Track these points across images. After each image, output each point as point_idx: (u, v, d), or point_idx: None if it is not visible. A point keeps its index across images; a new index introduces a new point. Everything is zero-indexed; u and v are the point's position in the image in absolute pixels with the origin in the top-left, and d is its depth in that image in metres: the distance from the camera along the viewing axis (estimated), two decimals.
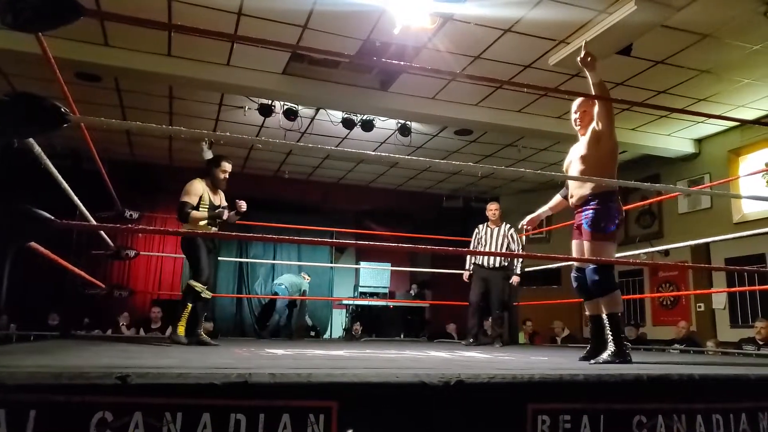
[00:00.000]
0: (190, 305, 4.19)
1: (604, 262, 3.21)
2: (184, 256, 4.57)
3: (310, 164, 10.03)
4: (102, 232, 5.28)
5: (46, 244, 3.10)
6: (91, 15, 4.58)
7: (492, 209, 6.15)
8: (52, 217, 1.89)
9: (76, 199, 3.89)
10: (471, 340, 5.87)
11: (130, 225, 5.56)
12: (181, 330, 4.11)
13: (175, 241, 10.08)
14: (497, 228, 6.06)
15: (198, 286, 4.24)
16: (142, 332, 7.85)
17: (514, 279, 6.06)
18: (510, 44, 5.82)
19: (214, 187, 4.48)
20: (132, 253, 5.95)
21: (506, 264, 5.99)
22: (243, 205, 4.45)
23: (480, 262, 5.97)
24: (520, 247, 5.98)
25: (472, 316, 5.98)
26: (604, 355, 3.05)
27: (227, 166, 4.49)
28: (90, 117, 2.67)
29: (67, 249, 5.07)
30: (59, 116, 1.91)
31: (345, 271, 11.19)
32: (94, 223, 4.32)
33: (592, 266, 3.22)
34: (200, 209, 4.35)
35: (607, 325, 3.12)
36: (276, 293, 8.73)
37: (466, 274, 6.15)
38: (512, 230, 5.95)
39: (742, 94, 6.84)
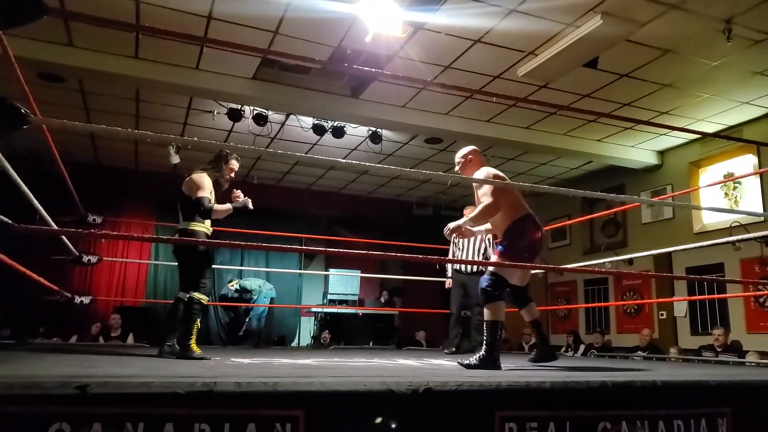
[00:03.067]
0: (197, 320, 3.74)
1: (574, 270, 3.38)
2: (177, 262, 4.07)
3: (280, 170, 9.96)
4: (63, 237, 5.13)
5: (3, 248, 3.00)
6: (55, 14, 4.49)
7: (468, 214, 6.10)
8: (10, 221, 1.83)
9: (36, 202, 3.78)
10: (453, 349, 5.68)
11: (93, 230, 5.42)
12: (195, 347, 3.63)
13: (140, 247, 9.90)
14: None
15: (204, 298, 3.83)
16: (101, 340, 7.65)
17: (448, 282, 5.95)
18: (480, 55, 5.89)
19: (216, 183, 4.15)
20: (94, 259, 5.79)
21: (485, 269, 5.91)
22: (240, 195, 4.23)
23: (459, 269, 5.87)
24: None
25: (454, 324, 5.84)
26: (473, 359, 3.25)
27: (236, 164, 4.21)
28: (52, 119, 2.60)
29: (25, 254, 4.93)
30: (19, 117, 1.86)
31: (314, 278, 11.12)
32: (55, 227, 4.19)
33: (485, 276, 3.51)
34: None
35: (485, 330, 3.37)
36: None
37: (448, 282, 6.04)
38: (489, 235, 5.92)
39: (703, 108, 7.05)
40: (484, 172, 3.66)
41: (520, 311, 3.78)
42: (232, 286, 9.38)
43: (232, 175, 4.20)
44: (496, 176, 3.58)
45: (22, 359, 2.94)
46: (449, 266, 6.05)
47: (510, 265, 3.36)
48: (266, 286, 9.64)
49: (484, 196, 3.51)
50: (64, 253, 5.61)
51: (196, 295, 3.78)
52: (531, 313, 3.70)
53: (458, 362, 3.33)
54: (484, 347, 3.28)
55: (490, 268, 3.48)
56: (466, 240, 5.79)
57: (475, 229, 3.85)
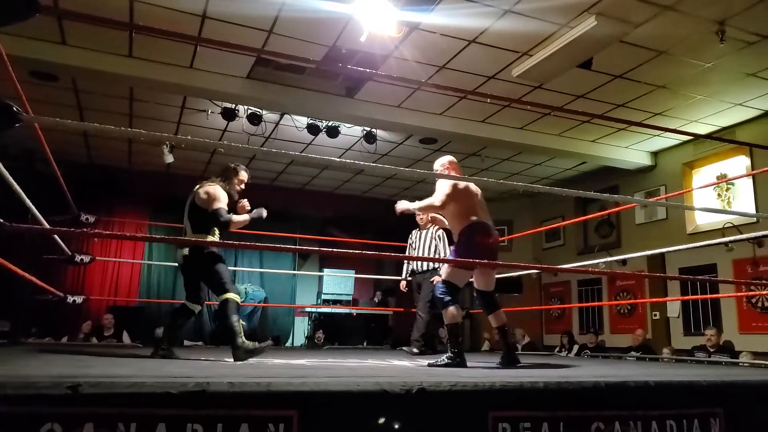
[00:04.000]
0: (237, 318, 3.63)
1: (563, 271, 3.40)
2: (190, 274, 3.97)
3: (274, 170, 9.94)
4: (56, 237, 5.10)
5: None
6: (48, 12, 4.47)
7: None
8: (2, 221, 1.82)
9: (28, 201, 3.75)
10: (416, 351, 5.44)
11: (85, 229, 5.39)
12: (246, 343, 3.50)
13: (133, 246, 9.86)
14: (426, 231, 5.75)
15: (236, 297, 3.72)
16: (94, 340, 7.62)
17: (435, 279, 5.79)
18: (474, 55, 5.89)
19: (228, 196, 4.10)
20: (87, 258, 5.76)
21: (435, 267, 5.62)
22: (247, 205, 4.20)
23: (415, 269, 5.79)
24: (447, 248, 5.60)
25: (424, 325, 5.66)
26: (440, 359, 3.48)
27: (245, 176, 4.21)
28: (45, 117, 2.59)
29: (18, 254, 4.89)
30: (11, 115, 1.85)
31: (308, 278, 11.10)
32: (48, 226, 4.17)
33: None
34: None
35: (447, 333, 3.62)
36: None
37: (403, 284, 5.99)
38: (440, 231, 5.69)
39: (696, 110, 7.09)
40: (448, 182, 3.79)
41: (487, 317, 3.85)
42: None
43: (243, 186, 4.20)
44: (456, 185, 3.74)
45: (14, 359, 2.92)
46: (405, 268, 5.99)
47: (501, 265, 3.43)
48: (252, 288, 9.63)
49: (435, 194, 3.77)
50: (57, 253, 5.58)
51: (229, 296, 3.68)
52: (498, 319, 3.77)
53: (428, 363, 3.52)
54: (449, 348, 3.53)
55: (442, 276, 3.69)
56: (418, 239, 5.79)
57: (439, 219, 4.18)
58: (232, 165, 4.17)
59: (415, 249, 5.81)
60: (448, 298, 3.57)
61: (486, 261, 3.46)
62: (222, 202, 3.87)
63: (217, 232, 3.96)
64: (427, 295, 5.53)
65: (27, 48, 5.56)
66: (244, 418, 1.57)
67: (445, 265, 3.74)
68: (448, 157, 4.17)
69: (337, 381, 1.79)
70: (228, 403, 1.58)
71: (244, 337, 3.52)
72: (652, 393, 2.10)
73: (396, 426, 1.72)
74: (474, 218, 3.66)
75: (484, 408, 1.84)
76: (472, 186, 3.87)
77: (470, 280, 3.86)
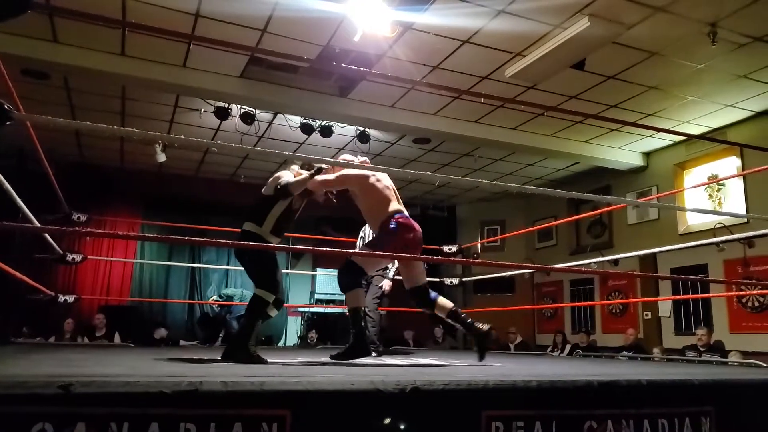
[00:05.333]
0: (259, 322, 3.49)
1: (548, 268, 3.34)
2: (242, 266, 3.79)
3: (267, 169, 9.90)
4: (47, 235, 5.07)
5: None
6: (40, 9, 4.43)
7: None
8: None
9: (19, 200, 3.73)
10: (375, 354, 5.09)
11: (77, 228, 5.35)
12: (253, 348, 3.29)
13: (125, 246, 9.82)
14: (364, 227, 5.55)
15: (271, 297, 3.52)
16: (86, 340, 7.58)
17: (385, 283, 5.50)
18: (468, 55, 5.90)
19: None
20: (79, 257, 5.73)
21: (387, 267, 5.46)
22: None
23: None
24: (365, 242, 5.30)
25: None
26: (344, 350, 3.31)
27: (296, 168, 3.87)
28: (36, 115, 2.57)
29: (9, 253, 4.86)
30: (2, 113, 1.83)
31: (301, 277, 11.07)
32: (39, 225, 4.14)
33: None
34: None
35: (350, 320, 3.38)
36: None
37: (387, 284, 5.64)
38: (365, 226, 5.52)
39: (688, 111, 7.13)
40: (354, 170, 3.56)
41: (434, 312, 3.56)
42: (213, 300, 9.39)
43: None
44: (364, 174, 3.54)
45: (4, 358, 2.90)
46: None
47: (491, 264, 3.38)
48: (247, 292, 9.61)
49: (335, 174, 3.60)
50: (48, 252, 5.54)
51: (262, 292, 3.52)
52: (443, 310, 3.46)
53: (330, 356, 3.40)
54: (351, 336, 3.34)
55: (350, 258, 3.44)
56: (366, 236, 5.52)
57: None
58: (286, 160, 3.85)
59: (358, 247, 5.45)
60: (352, 280, 3.37)
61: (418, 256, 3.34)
62: (283, 176, 3.63)
63: (271, 222, 3.57)
64: (371, 295, 5.33)
65: (18, 46, 5.52)
66: (237, 418, 1.57)
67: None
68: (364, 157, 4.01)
69: (330, 380, 1.79)
70: (221, 402, 1.58)
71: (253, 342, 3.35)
72: (644, 392, 2.11)
73: (390, 425, 1.73)
74: (395, 209, 3.45)
75: (477, 407, 1.84)
76: (386, 178, 3.63)
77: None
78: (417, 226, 3.48)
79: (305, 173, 3.54)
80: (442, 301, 3.47)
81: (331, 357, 3.36)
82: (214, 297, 9.52)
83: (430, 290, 3.48)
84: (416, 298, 3.48)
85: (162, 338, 8.29)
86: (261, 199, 3.62)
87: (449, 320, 3.48)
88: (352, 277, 3.38)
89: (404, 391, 1.77)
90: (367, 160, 3.94)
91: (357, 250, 5.24)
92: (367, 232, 5.57)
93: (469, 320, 3.40)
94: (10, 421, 1.39)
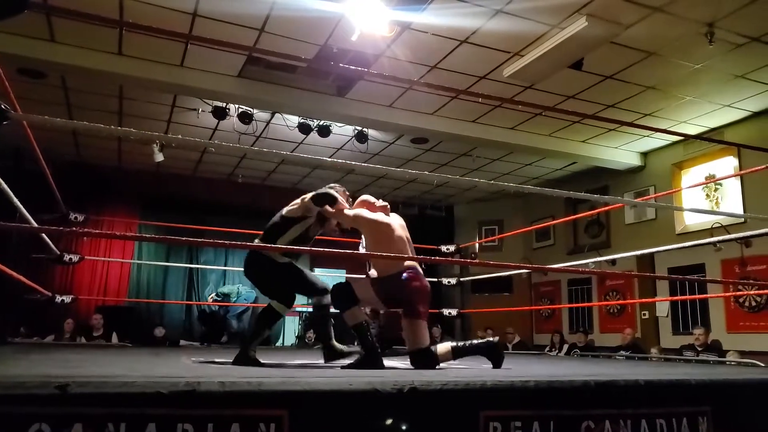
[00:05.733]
0: (266, 330, 3.54)
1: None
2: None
3: (265, 169, 9.90)
4: (44, 235, 5.06)
5: None
6: (37, 8, 4.42)
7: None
8: None
9: (16, 200, 3.72)
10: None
11: (74, 228, 5.34)
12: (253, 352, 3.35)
13: (123, 246, 9.79)
14: None
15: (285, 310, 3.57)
16: (83, 340, 7.56)
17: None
18: (466, 55, 5.90)
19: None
20: (76, 257, 5.72)
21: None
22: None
23: None
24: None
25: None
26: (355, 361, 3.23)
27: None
28: (33, 115, 2.57)
29: (6, 253, 4.84)
30: None
31: None
32: (36, 225, 4.13)
33: None
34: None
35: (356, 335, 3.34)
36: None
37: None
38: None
39: (685, 111, 7.14)
40: (370, 214, 3.52)
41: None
42: (211, 299, 9.44)
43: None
44: (379, 221, 3.43)
45: (1, 358, 2.89)
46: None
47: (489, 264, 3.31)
48: (244, 289, 9.61)
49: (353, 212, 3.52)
50: (45, 252, 5.53)
51: (322, 299, 3.56)
52: (446, 356, 3.31)
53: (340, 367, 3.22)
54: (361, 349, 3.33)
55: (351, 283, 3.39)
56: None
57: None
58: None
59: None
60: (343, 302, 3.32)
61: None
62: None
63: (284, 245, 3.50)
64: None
65: (15, 45, 5.51)
66: (234, 418, 1.57)
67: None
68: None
69: (328, 381, 1.79)
70: (219, 402, 1.57)
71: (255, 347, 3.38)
72: (642, 392, 2.12)
73: (389, 425, 1.73)
74: (406, 266, 3.27)
75: (475, 407, 1.84)
76: (401, 227, 3.49)
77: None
78: (426, 282, 3.35)
79: (345, 204, 3.55)
80: (441, 348, 3.27)
81: (342, 368, 3.15)
82: (213, 296, 9.54)
83: (430, 348, 3.26)
84: (416, 360, 3.23)
85: (161, 337, 8.29)
86: (279, 219, 3.57)
87: (458, 359, 3.33)
88: (346, 299, 3.32)
89: (402, 391, 1.76)
90: (387, 206, 3.71)
91: (361, 250, 5.18)
92: None
93: (473, 344, 3.28)
94: (7, 421, 1.38)
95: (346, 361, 3.34)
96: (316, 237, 3.80)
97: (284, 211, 3.60)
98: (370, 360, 3.20)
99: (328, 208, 3.41)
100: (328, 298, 3.53)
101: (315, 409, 1.67)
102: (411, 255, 3.40)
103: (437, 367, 3.19)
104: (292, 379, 1.77)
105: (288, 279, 3.50)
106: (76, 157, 9.22)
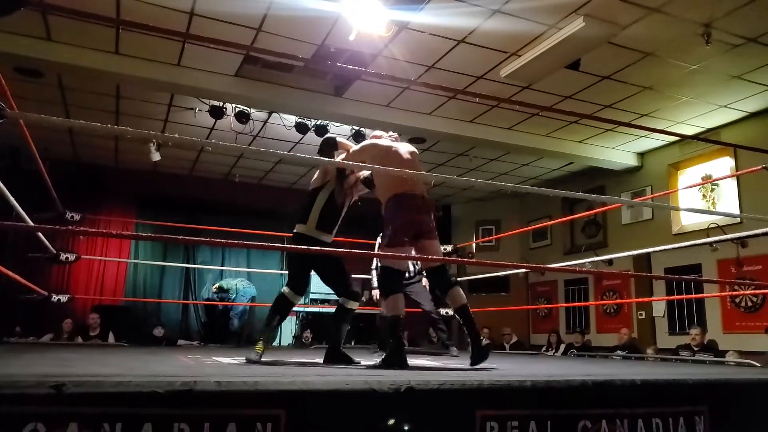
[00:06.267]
0: (277, 317, 3.53)
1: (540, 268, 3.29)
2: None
3: (263, 168, 9.89)
4: (40, 234, 5.05)
5: None
6: (33, 7, 4.40)
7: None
8: None
9: (12, 199, 3.70)
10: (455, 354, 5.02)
11: (71, 227, 5.33)
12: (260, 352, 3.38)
13: (119, 245, 9.77)
14: None
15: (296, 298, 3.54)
16: (79, 339, 7.54)
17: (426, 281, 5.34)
18: (463, 55, 5.90)
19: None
20: (72, 256, 5.70)
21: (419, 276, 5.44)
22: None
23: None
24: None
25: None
26: (380, 360, 3.03)
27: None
28: (30, 113, 2.55)
29: (2, 252, 4.83)
30: None
31: None
32: (32, 224, 4.12)
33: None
34: None
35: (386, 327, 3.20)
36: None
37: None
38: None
39: (682, 111, 7.15)
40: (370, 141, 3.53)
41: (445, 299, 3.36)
42: (215, 288, 9.46)
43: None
44: (377, 145, 3.46)
45: None
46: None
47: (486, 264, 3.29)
48: (242, 284, 9.60)
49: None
50: (42, 251, 5.51)
51: (352, 303, 3.49)
52: (455, 300, 3.19)
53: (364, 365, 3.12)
54: (388, 346, 3.11)
55: (379, 262, 3.23)
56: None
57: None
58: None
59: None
60: (389, 285, 3.16)
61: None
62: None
63: (315, 218, 3.47)
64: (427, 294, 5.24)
65: (11, 44, 5.49)
66: (231, 418, 1.56)
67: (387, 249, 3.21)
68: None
69: (325, 380, 1.78)
70: (215, 402, 1.57)
71: (265, 344, 3.39)
72: (638, 392, 2.12)
73: (387, 425, 1.72)
74: (404, 190, 3.19)
75: (471, 407, 1.84)
76: (402, 149, 3.44)
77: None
78: (426, 202, 3.24)
79: (348, 143, 3.62)
80: (457, 294, 3.16)
81: (367, 368, 3.00)
82: (215, 287, 9.53)
83: (448, 274, 3.20)
84: (434, 280, 3.23)
85: (160, 337, 8.28)
86: (306, 197, 3.58)
87: (457, 315, 3.20)
88: (392, 283, 3.16)
89: (399, 391, 1.76)
90: (395, 135, 3.72)
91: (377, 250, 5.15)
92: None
93: (476, 329, 3.09)
94: (2, 421, 1.38)
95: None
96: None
97: (310, 186, 3.61)
98: (395, 358, 2.95)
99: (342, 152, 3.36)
100: (356, 305, 3.51)
101: (312, 409, 1.67)
102: (416, 180, 3.27)
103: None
104: (288, 378, 1.77)
105: (337, 262, 3.48)
106: (73, 157, 9.20)
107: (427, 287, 5.36)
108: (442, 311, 6.35)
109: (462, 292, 3.19)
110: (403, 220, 3.15)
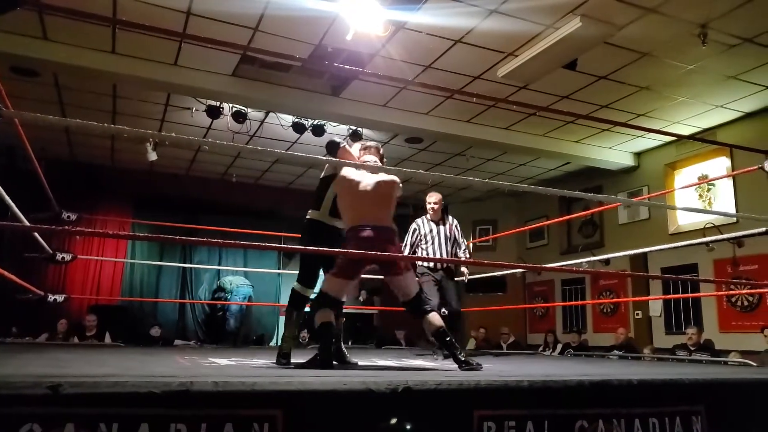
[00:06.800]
0: (293, 314, 3.61)
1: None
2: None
3: (259, 168, 9.88)
4: (36, 234, 5.03)
5: None
6: (30, 6, 4.39)
7: (431, 202, 5.11)
8: None
9: (7, 198, 3.69)
10: (441, 357, 4.61)
11: (67, 227, 5.31)
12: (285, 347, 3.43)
13: (116, 245, 9.75)
14: (444, 224, 5.08)
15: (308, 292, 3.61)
16: (75, 340, 7.52)
17: (467, 272, 5.20)
18: (460, 55, 5.90)
19: None
20: (68, 256, 5.68)
21: (454, 266, 5.20)
22: None
23: (431, 266, 5.05)
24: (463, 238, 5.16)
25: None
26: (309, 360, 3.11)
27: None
28: (25, 112, 2.54)
29: None
30: None
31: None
32: (28, 224, 4.10)
33: None
34: None
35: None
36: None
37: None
38: (456, 222, 5.16)
39: (678, 111, 7.17)
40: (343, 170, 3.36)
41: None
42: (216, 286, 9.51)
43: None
44: (345, 177, 3.29)
45: None
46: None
47: (483, 264, 3.26)
48: (238, 281, 9.60)
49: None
50: (38, 251, 5.49)
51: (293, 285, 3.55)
52: (430, 325, 3.12)
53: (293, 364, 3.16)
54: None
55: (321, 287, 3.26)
56: (437, 234, 5.03)
57: None
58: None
59: (430, 242, 5.02)
60: (324, 303, 3.19)
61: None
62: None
63: (328, 204, 3.45)
64: (455, 295, 5.01)
65: (7, 43, 5.47)
66: (228, 418, 1.56)
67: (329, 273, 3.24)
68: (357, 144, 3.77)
69: (322, 380, 1.78)
70: (212, 402, 1.57)
71: (288, 343, 3.40)
72: (635, 391, 2.12)
73: (385, 425, 1.72)
74: (355, 223, 3.16)
75: (469, 407, 1.84)
76: (368, 179, 3.26)
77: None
78: (382, 234, 3.14)
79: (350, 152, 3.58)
80: (432, 320, 3.09)
81: (295, 366, 3.07)
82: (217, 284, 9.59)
83: (423, 300, 3.16)
84: (410, 305, 3.15)
85: (156, 337, 8.27)
86: (318, 182, 3.61)
87: (433, 339, 3.16)
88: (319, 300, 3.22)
89: (396, 391, 1.76)
90: (378, 147, 3.63)
91: (405, 252, 4.96)
92: (426, 230, 5.08)
93: (457, 351, 2.99)
94: None
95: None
96: None
97: (321, 174, 3.63)
98: (320, 362, 2.97)
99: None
100: (309, 296, 3.57)
101: (309, 409, 1.67)
102: (375, 211, 3.19)
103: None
104: (286, 378, 1.77)
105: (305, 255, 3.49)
106: (70, 156, 9.18)
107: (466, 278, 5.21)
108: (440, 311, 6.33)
109: (438, 317, 3.14)
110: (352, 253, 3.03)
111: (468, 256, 5.11)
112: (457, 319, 5.05)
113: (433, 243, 5.00)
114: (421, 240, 5.06)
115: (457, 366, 2.94)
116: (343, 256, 3.07)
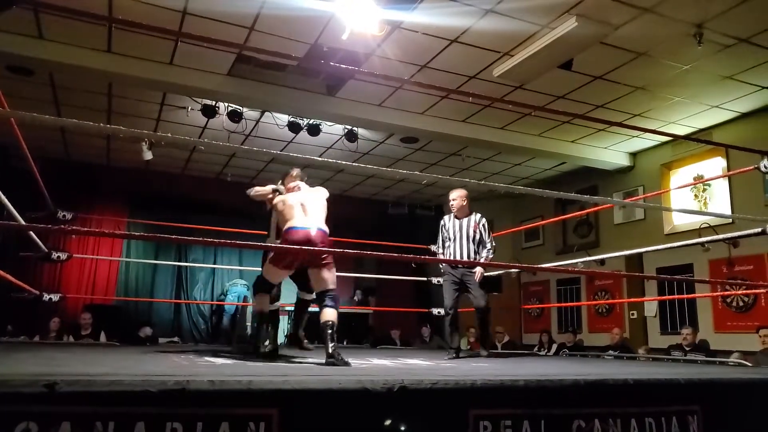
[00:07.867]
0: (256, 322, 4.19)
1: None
2: None
3: (255, 167, 9.87)
4: (32, 233, 5.01)
5: None
6: (25, 5, 4.38)
7: (453, 198, 5.14)
8: None
9: (3, 198, 3.68)
10: (454, 354, 4.70)
11: (62, 226, 5.28)
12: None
13: (111, 244, 9.72)
14: (466, 220, 5.03)
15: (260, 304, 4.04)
16: (71, 339, 7.49)
17: (478, 272, 4.93)
18: (456, 54, 5.91)
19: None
20: (64, 255, 5.66)
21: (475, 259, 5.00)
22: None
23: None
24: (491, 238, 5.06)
25: (450, 325, 4.90)
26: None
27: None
28: (20, 112, 2.53)
29: None
30: None
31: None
32: (23, 223, 4.09)
33: None
34: None
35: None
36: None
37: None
38: (483, 220, 5.06)
39: (674, 111, 7.19)
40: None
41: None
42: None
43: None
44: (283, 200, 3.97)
45: None
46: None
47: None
48: (232, 281, 9.61)
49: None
50: (33, 250, 5.47)
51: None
52: (323, 317, 3.43)
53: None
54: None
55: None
56: (459, 229, 5.01)
57: None
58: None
59: (452, 240, 5.01)
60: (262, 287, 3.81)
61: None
62: (255, 188, 4.39)
63: (273, 232, 4.21)
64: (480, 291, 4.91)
65: (2, 42, 5.44)
66: (224, 417, 1.56)
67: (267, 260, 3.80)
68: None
69: (318, 379, 1.78)
70: (208, 401, 1.56)
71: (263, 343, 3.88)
72: (631, 391, 2.13)
73: (378, 425, 1.72)
74: (287, 226, 3.66)
75: (464, 406, 1.84)
76: (299, 196, 3.97)
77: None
78: (313, 234, 3.54)
79: (266, 188, 4.29)
80: (325, 313, 3.41)
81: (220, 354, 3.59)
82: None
83: (328, 298, 3.45)
84: (316, 299, 3.60)
85: (147, 336, 8.24)
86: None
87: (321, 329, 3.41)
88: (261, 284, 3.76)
89: (392, 390, 1.76)
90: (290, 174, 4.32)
91: (438, 250, 5.26)
92: (449, 227, 5.12)
93: (331, 345, 3.26)
94: None
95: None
96: None
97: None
98: (249, 347, 3.50)
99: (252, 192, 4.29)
100: (307, 296, 4.04)
101: (305, 408, 1.67)
102: (308, 215, 3.73)
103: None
104: (281, 377, 1.77)
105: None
106: (65, 155, 9.15)
107: (478, 278, 4.95)
108: (434, 311, 6.34)
109: (333, 313, 3.42)
110: (281, 250, 3.63)
111: (491, 257, 5.03)
112: (486, 315, 4.98)
113: (454, 241, 5.01)
114: (446, 238, 5.11)
115: (325, 360, 3.17)
116: (273, 253, 3.75)
